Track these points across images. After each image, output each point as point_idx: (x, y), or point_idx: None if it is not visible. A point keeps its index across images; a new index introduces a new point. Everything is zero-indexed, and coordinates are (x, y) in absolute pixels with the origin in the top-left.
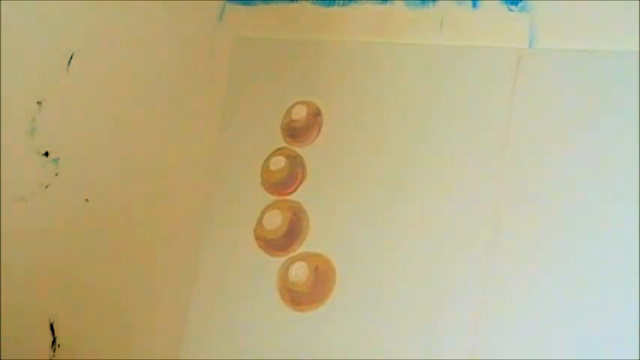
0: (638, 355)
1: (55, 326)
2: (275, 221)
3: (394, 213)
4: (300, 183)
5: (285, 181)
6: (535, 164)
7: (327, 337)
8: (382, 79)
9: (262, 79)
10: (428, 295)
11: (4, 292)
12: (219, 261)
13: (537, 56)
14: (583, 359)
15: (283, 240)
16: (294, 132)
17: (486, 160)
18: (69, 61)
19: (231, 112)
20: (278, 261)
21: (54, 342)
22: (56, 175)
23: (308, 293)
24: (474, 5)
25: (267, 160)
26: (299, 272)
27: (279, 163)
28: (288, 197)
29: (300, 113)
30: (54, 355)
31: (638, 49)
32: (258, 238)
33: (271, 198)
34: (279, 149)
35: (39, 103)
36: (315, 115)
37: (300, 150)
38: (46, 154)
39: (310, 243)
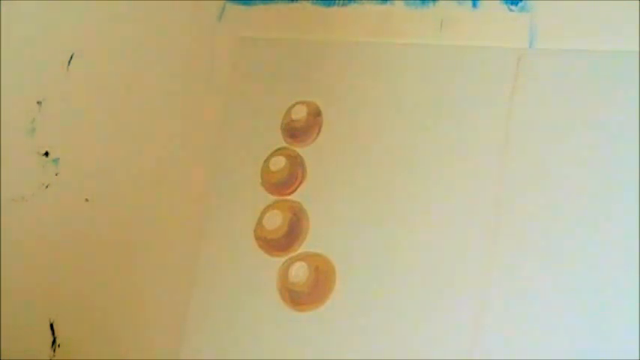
0: (638, 355)
1: (55, 326)
2: (275, 221)
3: (394, 213)
4: (300, 183)
5: (285, 181)
6: (535, 164)
7: (327, 337)
8: (382, 79)
9: (262, 79)
10: (428, 295)
11: (4, 292)
12: (219, 261)
13: (537, 56)
14: (583, 359)
15: (283, 240)
16: (294, 132)
17: (486, 160)
18: (69, 61)
19: (231, 112)
20: (278, 261)
21: (54, 342)
22: (56, 175)
23: (308, 293)
24: (474, 5)
25: (267, 160)
26: (299, 272)
27: (279, 163)
28: (288, 197)
29: (300, 113)
30: (54, 355)
31: (638, 49)
32: (258, 238)
33: (271, 198)
34: (279, 149)
35: (39, 103)
36: (315, 115)
37: (300, 150)
38: (46, 154)
39: (310, 243)
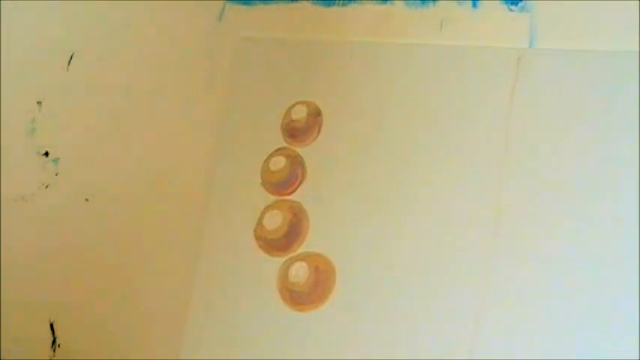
0: (638, 355)
1: (55, 326)
2: (275, 221)
3: (394, 213)
4: (300, 183)
5: (285, 181)
6: (535, 164)
7: (327, 337)
8: (382, 79)
9: (262, 79)
10: (428, 295)
11: (4, 292)
12: (219, 261)
13: (537, 56)
14: (583, 359)
15: (283, 240)
16: (294, 132)
17: (486, 160)
18: (69, 61)
19: (231, 111)
20: (278, 261)
21: (54, 342)
22: (56, 175)
23: (308, 293)
24: (474, 5)
25: (267, 160)
26: (299, 272)
27: (279, 163)
28: (289, 197)
29: (300, 113)
30: (54, 355)
31: (638, 49)
32: (258, 238)
33: (271, 198)
34: (279, 149)
35: (39, 103)
36: (315, 115)
37: (300, 150)
38: (46, 154)
39: (310, 243)
